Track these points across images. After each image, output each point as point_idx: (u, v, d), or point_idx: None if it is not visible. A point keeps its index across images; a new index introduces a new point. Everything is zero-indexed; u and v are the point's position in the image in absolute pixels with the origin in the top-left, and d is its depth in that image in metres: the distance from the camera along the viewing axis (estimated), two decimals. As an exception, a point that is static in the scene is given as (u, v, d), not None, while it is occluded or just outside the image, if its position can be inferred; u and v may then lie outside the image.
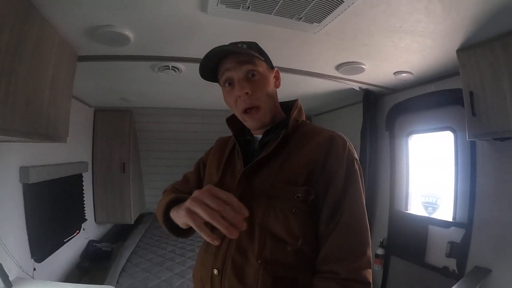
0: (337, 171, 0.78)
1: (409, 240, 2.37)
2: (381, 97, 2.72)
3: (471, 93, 1.62)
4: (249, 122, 0.87)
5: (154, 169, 4.07)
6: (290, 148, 0.83)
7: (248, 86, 0.82)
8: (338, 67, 2.01)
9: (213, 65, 0.87)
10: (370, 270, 0.74)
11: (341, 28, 1.44)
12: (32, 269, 1.92)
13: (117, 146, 3.36)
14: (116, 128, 3.37)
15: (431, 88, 2.23)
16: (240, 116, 0.88)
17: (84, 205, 2.98)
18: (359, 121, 2.77)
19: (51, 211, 2.25)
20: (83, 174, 2.96)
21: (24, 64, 1.20)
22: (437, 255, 2.13)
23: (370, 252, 0.75)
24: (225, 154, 0.97)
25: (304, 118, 0.95)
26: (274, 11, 1.28)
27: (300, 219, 0.76)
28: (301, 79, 2.28)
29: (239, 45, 0.85)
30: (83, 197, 2.97)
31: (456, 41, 1.57)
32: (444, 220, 2.14)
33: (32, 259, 1.94)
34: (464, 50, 1.64)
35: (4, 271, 1.43)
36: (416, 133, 2.49)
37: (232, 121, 0.97)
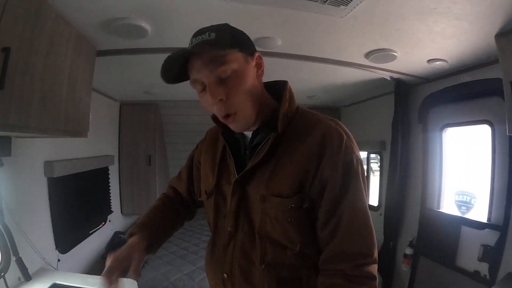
0: (332, 174, 0.72)
1: (440, 240, 2.24)
2: (413, 87, 2.54)
3: (512, 83, 1.45)
4: (232, 127, 0.79)
5: (180, 161, 4.09)
6: (282, 150, 0.78)
7: (221, 91, 0.71)
8: (368, 55, 1.88)
9: (179, 67, 0.74)
10: (375, 265, 0.73)
11: (370, 11, 1.32)
12: (57, 260, 1.98)
13: (143, 139, 3.40)
14: (141, 121, 3.40)
15: (467, 77, 2.04)
16: (221, 119, 0.78)
17: (110, 197, 3.05)
18: (390, 113, 2.62)
19: (76, 203, 2.31)
20: (109, 167, 3.02)
21: (39, 61, 1.19)
22: (469, 258, 1.99)
23: (376, 253, 0.73)
24: (218, 152, 0.92)
25: (296, 105, 0.84)
26: (297, -7, 1.17)
27: (297, 226, 0.76)
28: (329, 68, 2.16)
29: (207, 34, 0.71)
30: (109, 189, 3.03)
31: (495, 24, 1.40)
32: (478, 221, 1.99)
33: (57, 250, 2.00)
34: (504, 35, 1.46)
35: (24, 265, 1.47)
36: (451, 126, 2.31)
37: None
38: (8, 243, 1.42)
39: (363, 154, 3.53)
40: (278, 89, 0.84)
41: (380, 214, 2.83)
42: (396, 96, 2.55)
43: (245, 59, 0.75)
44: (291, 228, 0.75)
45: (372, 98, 3.20)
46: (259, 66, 0.80)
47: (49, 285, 1.58)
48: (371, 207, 3.14)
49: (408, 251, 2.45)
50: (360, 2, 1.22)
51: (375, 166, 3.44)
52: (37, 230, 1.82)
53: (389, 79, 2.39)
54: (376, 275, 0.72)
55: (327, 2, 1.22)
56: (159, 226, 0.97)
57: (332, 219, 0.73)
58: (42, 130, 1.28)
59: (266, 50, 1.77)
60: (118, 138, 3.35)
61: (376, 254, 0.73)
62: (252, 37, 0.85)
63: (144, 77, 2.46)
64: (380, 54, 1.83)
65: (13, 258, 1.45)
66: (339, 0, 1.20)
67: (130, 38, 1.57)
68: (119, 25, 1.41)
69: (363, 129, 3.34)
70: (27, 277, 1.51)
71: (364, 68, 2.14)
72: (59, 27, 1.29)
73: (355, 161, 0.74)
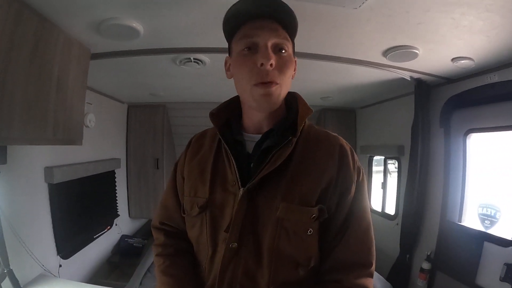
0: (349, 186, 0.73)
1: (460, 256, 2.05)
2: (435, 88, 2.33)
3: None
4: (259, 99, 0.69)
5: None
6: (298, 158, 0.74)
7: (274, 59, 0.68)
8: (386, 52, 1.69)
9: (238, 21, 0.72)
10: (371, 279, 0.73)
11: (388, 2, 1.15)
12: (58, 265, 1.95)
13: (151, 141, 3.33)
14: (149, 123, 3.33)
15: (495, 78, 1.83)
16: (248, 91, 0.70)
17: (117, 201, 3.01)
18: (410, 115, 2.43)
19: (80, 208, 2.28)
20: (116, 170, 2.97)
21: (21, 69, 1.12)
22: (490, 277, 1.82)
23: (374, 263, 0.74)
24: (207, 158, 0.81)
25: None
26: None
27: (314, 239, 0.72)
28: (342, 67, 1.98)
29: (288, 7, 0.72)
30: (116, 193, 2.99)
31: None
32: (502, 238, 1.80)
33: (58, 256, 1.98)
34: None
35: (15, 277, 1.45)
36: (476, 132, 2.10)
37: (217, 116, 0.81)
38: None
39: (379, 158, 3.35)
40: (287, 99, 0.82)
41: (397, 224, 2.65)
42: (416, 98, 2.35)
43: (292, 54, 0.76)
44: (309, 241, 0.71)
45: (390, 100, 2.98)
46: (294, 69, 0.79)
47: (45, 292, 1.55)
48: (387, 215, 2.97)
49: (425, 265, 2.27)
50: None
51: (392, 167, 3.25)
52: (37, 236, 1.79)
53: (409, 79, 2.20)
54: None
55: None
56: None
57: (341, 231, 0.72)
58: (28, 140, 1.23)
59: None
60: (126, 141, 3.30)
61: (373, 267, 0.74)
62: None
63: (148, 79, 2.38)
64: (400, 51, 1.64)
65: (4, 270, 1.41)
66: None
67: (123, 39, 1.47)
68: (108, 26, 1.32)
69: (380, 133, 3.14)
70: (18, 289, 1.48)
71: (382, 68, 1.96)
72: (44, 31, 1.22)
73: (362, 173, 0.76)
